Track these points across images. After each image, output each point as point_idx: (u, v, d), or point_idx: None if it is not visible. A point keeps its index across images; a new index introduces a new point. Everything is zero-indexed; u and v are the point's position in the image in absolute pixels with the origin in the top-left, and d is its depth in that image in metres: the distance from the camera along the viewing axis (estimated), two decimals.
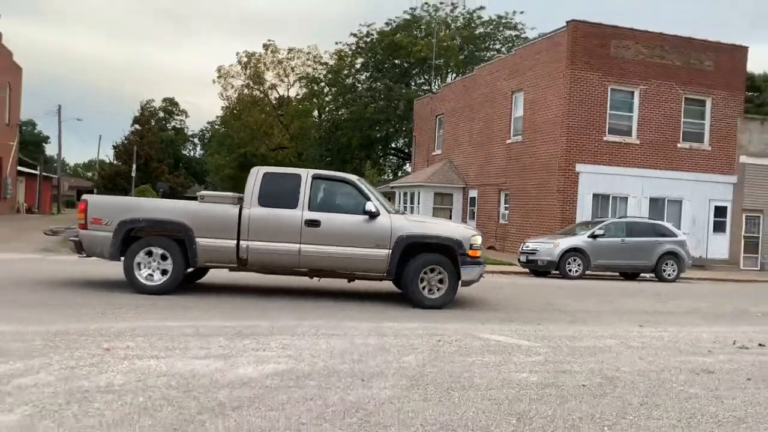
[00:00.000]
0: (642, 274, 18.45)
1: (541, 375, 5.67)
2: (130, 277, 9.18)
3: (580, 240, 17.35)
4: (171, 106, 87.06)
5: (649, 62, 23.57)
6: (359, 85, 50.19)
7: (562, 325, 8.58)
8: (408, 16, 48.13)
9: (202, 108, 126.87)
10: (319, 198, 9.70)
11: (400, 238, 9.43)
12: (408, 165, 50.79)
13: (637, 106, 23.61)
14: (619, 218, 19.67)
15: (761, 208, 25.52)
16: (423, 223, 10.00)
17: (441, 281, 9.58)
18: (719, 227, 24.71)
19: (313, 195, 9.62)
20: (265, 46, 58.37)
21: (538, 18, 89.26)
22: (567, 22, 22.94)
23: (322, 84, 54.31)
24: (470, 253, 9.63)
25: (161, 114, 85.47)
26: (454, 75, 46.03)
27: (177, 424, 3.95)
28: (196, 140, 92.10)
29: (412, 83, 48.95)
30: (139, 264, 9.20)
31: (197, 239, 9.22)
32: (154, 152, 59.62)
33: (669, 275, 17.80)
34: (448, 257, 9.56)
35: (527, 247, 17.70)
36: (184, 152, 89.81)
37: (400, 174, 50.44)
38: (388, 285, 11.03)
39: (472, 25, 48.62)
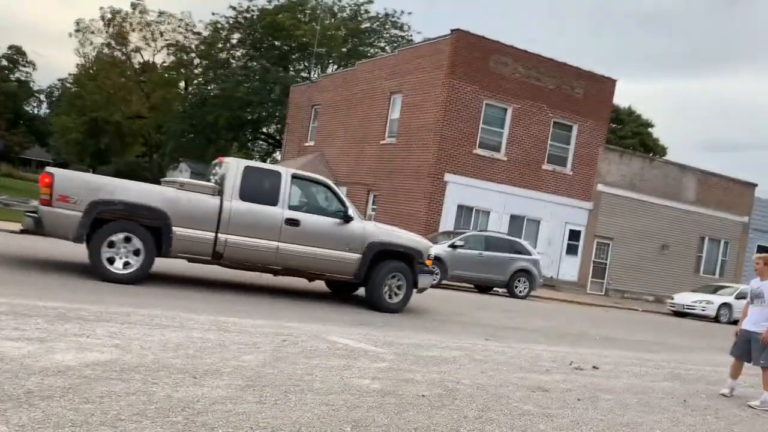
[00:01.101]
0: (495, 289, 19.42)
1: (383, 382, 5.77)
2: (96, 263, 8.86)
3: (441, 249, 17.96)
4: (17, 55, 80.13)
5: (524, 82, 24.92)
6: (234, 61, 48.91)
7: (411, 333, 8.81)
8: None
9: (54, 62, 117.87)
10: (297, 198, 10.25)
11: (371, 244, 10.35)
12: (278, 153, 50.20)
13: (509, 124, 24.88)
14: (479, 231, 20.59)
15: (612, 236, 27.79)
16: (390, 231, 10.98)
17: (399, 287, 10.68)
18: (572, 250, 26.62)
19: (293, 194, 10.10)
20: (134, 5, 55.47)
21: (425, 22, 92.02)
22: (451, 31, 23.73)
23: (193, 55, 52.36)
24: (426, 262, 10.91)
25: (4, 62, 78.42)
26: (335, 66, 46.11)
27: None
28: (42, 97, 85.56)
29: (291, 68, 48.42)
30: (108, 251, 8.90)
31: (174, 228, 9.14)
32: None
33: (521, 292, 18.87)
34: (408, 265, 10.66)
35: None
36: (27, 109, 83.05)
37: (268, 161, 49.68)
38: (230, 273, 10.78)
39: (359, 18, 48.99)
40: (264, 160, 52.50)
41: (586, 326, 13.83)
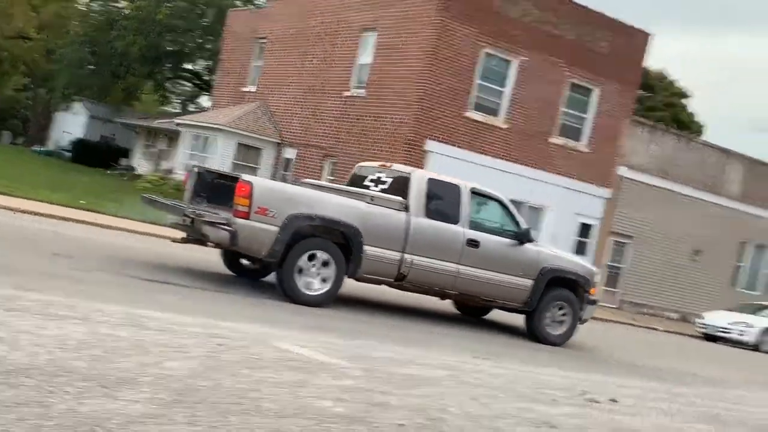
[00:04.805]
0: None
1: (350, 405, 5.78)
2: (287, 283, 10.24)
3: None
4: None
5: (536, 28, 25.04)
6: None
7: (382, 343, 8.86)
8: None
9: None
10: (475, 215, 11.74)
11: (544, 269, 11.96)
12: (205, 98, 49.61)
13: (513, 82, 25.00)
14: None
15: (632, 234, 28.26)
16: (561, 255, 12.91)
17: (563, 318, 12.43)
18: (581, 249, 26.98)
19: (472, 211, 11.62)
20: None
21: None
22: None
23: None
24: (591, 291, 12.65)
25: None
26: None
27: None
28: None
29: None
30: (300, 269, 10.25)
31: (365, 247, 10.52)
32: None
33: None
34: (575, 294, 12.41)
35: None
36: None
37: (192, 109, 49.15)
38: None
39: None
40: (185, 106, 51.92)
41: (603, 346, 14.09)
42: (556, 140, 26.20)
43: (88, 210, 18.12)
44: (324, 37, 28.56)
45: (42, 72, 55.67)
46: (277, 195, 10.38)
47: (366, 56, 26.42)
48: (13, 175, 23.56)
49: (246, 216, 9.89)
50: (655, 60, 58.88)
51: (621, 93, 27.27)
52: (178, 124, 33.40)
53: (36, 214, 15.72)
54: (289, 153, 29.26)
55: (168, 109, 50.41)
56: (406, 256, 10.91)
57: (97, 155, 42.69)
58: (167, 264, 12.58)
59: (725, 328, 24.79)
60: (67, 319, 6.47)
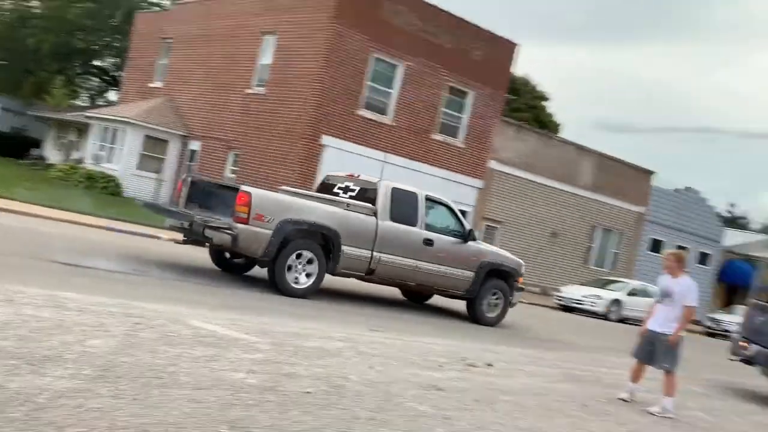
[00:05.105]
0: None
1: (261, 377, 5.76)
2: (279, 279, 10.91)
3: None
4: None
5: (419, 37, 25.27)
6: None
7: (287, 320, 8.84)
8: None
9: None
10: (428, 218, 12.59)
11: (483, 263, 12.98)
12: (112, 93, 47.84)
13: (399, 84, 25.18)
14: None
15: (501, 219, 29.01)
16: (496, 251, 13.99)
17: (497, 303, 13.43)
18: None
19: (426, 214, 12.49)
20: None
21: None
22: None
23: None
24: (519, 280, 13.74)
25: None
26: None
27: None
28: None
29: None
30: (289, 266, 10.95)
31: (342, 247, 11.30)
32: None
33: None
34: (507, 283, 13.45)
35: None
36: None
37: (99, 102, 47.30)
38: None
39: None
40: (94, 100, 49.96)
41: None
42: (437, 137, 26.57)
43: (3, 198, 17.16)
44: (227, 39, 27.94)
45: None
46: (271, 203, 10.98)
47: (266, 57, 26.04)
48: None
49: (245, 221, 10.49)
50: (520, 67, 60.47)
51: (492, 96, 27.85)
52: (88, 117, 32.05)
53: None
54: (194, 145, 28.54)
55: (78, 103, 48.26)
56: (375, 253, 11.72)
57: (10, 146, 40.55)
58: (80, 248, 12.15)
59: (579, 300, 25.84)
60: None
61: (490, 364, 8.71)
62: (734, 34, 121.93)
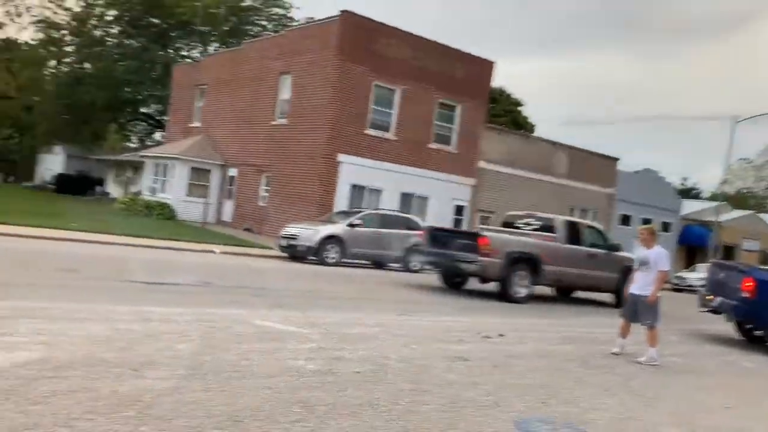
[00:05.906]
0: (390, 264, 19.81)
1: (317, 362, 5.86)
2: (508, 292, 13.15)
3: (340, 228, 18.07)
4: None
5: (410, 64, 25.29)
6: (109, 40, 46.11)
7: (329, 312, 8.91)
8: None
9: None
10: (588, 238, 14.93)
11: (624, 267, 14.73)
12: (158, 134, 48.08)
13: (397, 105, 25.23)
14: (374, 210, 20.87)
15: (492, 209, 29.01)
16: (630, 256, 14.73)
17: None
18: (458, 224, 27.54)
19: (588, 235, 14.99)
20: None
21: (304, 0, 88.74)
22: (341, 12, 23.64)
23: (64, 32, 48.81)
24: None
25: None
26: (217, 45, 44.65)
27: None
28: None
29: (171, 47, 46.35)
30: (512, 283, 13.18)
31: (543, 266, 13.49)
32: None
33: (415, 266, 19.36)
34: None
35: (289, 232, 17.94)
36: None
37: (148, 143, 47.52)
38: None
39: None
40: (143, 141, 50.19)
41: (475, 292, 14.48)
42: (433, 146, 26.56)
43: (83, 231, 17.06)
44: (252, 80, 28.07)
45: (25, 123, 52.73)
46: (498, 241, 13.17)
47: (285, 93, 26.14)
48: (20, 208, 22.26)
49: (487, 256, 12.79)
50: (497, 79, 60.26)
51: (476, 107, 27.81)
52: (142, 156, 32.26)
53: (38, 238, 14.81)
54: (232, 172, 28.69)
55: (130, 144, 48.49)
56: (562, 268, 13.92)
57: (76, 186, 40.88)
58: (152, 267, 12.24)
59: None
60: (90, 321, 6.30)
61: (501, 335, 8.78)
62: (676, 32, 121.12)
